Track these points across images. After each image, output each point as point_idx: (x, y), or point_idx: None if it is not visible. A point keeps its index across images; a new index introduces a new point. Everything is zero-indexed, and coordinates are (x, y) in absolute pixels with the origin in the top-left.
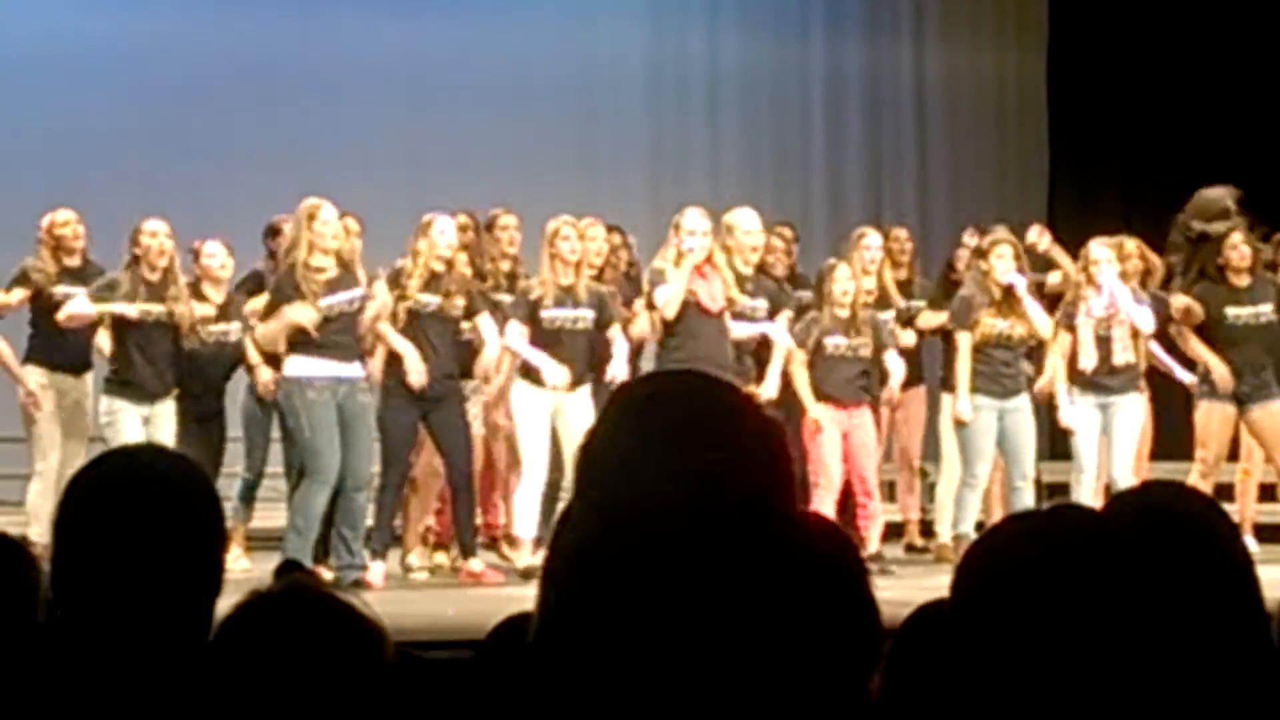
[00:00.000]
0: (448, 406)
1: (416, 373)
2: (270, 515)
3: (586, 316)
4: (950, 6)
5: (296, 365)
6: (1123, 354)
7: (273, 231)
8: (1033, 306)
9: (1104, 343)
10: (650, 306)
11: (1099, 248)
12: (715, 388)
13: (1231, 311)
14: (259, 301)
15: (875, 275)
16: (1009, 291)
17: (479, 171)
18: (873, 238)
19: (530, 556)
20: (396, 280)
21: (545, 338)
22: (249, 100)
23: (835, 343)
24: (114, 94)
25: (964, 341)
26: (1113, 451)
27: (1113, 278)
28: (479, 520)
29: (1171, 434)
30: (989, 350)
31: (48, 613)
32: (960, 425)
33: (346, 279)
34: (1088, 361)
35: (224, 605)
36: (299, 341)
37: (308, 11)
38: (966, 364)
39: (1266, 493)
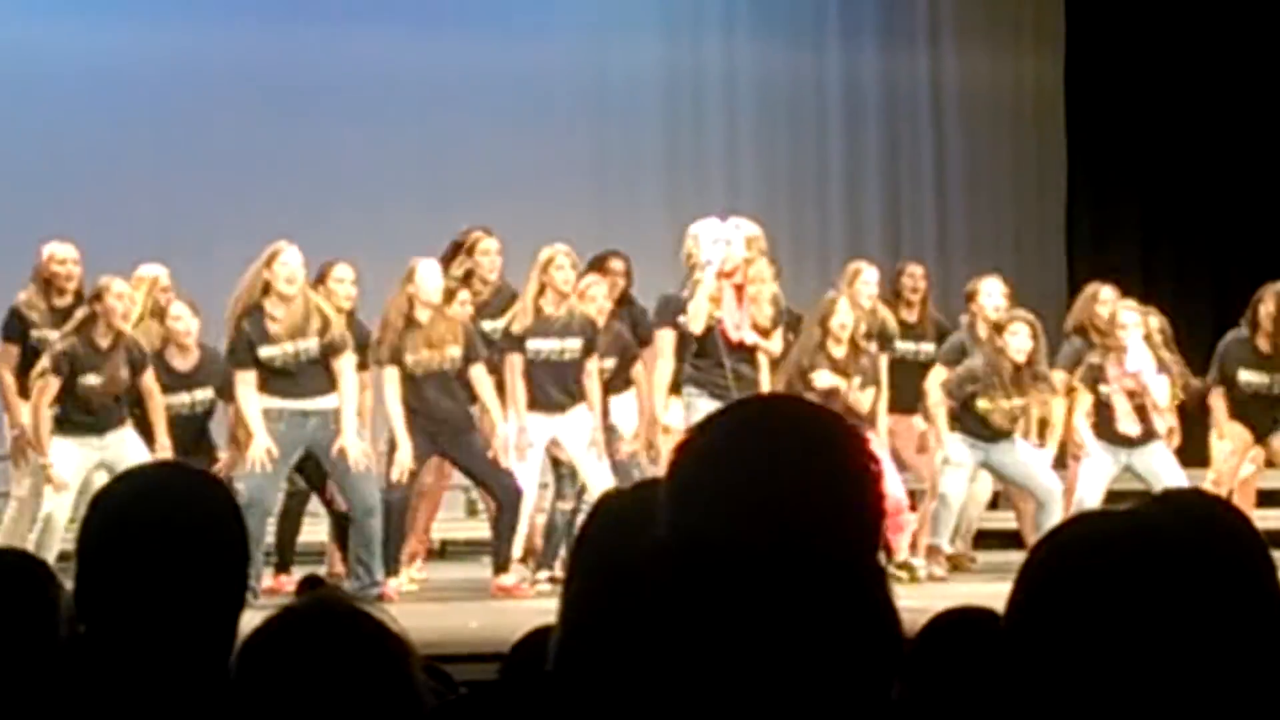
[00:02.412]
0: (464, 437)
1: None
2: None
3: (573, 347)
4: (967, 14)
5: (265, 400)
6: (1129, 425)
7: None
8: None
9: (1106, 408)
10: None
11: (1127, 312)
12: (823, 420)
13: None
14: None
15: (871, 313)
16: (1019, 368)
17: (494, 185)
18: (869, 273)
19: (515, 576)
20: (383, 342)
21: (533, 367)
22: (259, 115)
23: (825, 382)
24: (115, 109)
25: (942, 411)
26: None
27: (1139, 343)
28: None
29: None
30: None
31: (70, 629)
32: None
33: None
34: (1129, 427)
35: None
36: (265, 381)
37: (317, 26)
38: (944, 421)
39: (1265, 499)
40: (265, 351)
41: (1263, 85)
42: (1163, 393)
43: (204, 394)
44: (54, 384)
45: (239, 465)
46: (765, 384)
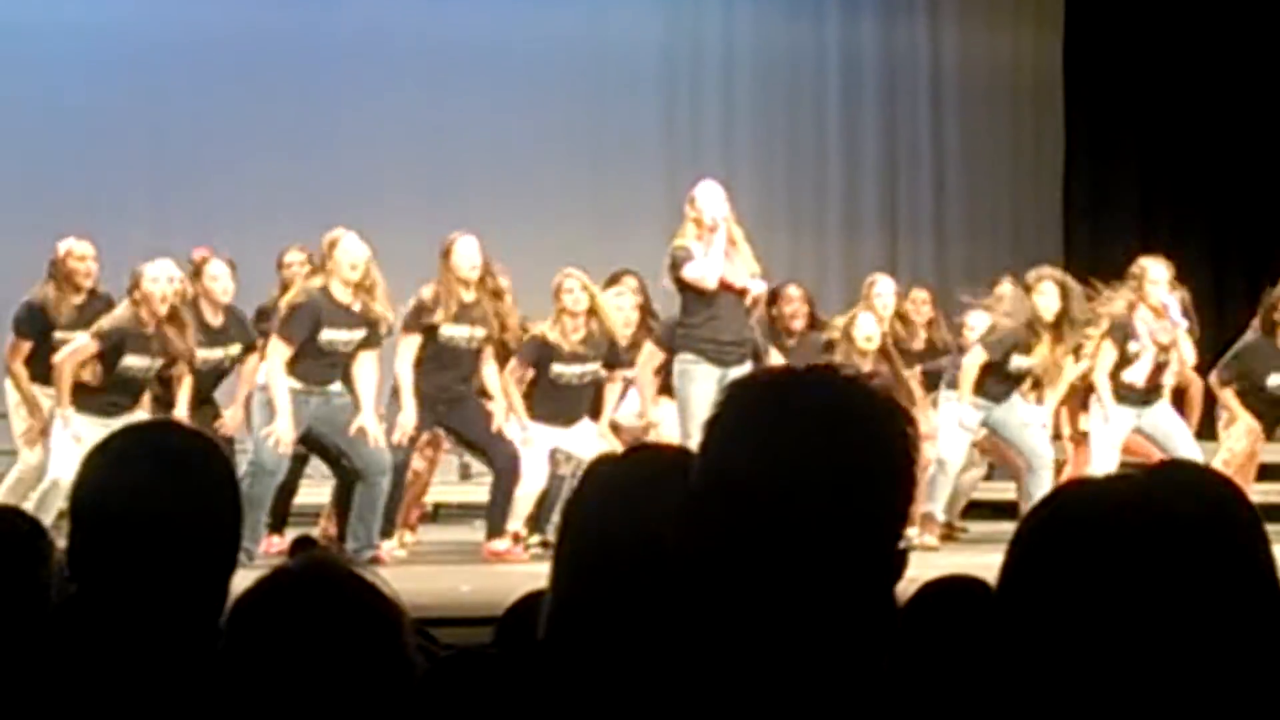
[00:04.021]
0: (465, 406)
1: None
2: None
3: (594, 370)
4: None
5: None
6: (1139, 375)
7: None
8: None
9: (1128, 361)
10: (679, 283)
11: (1156, 267)
12: (864, 390)
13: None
14: None
15: (888, 325)
16: (1052, 324)
17: (493, 157)
18: (885, 284)
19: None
20: (419, 316)
21: (549, 389)
22: (258, 87)
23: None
24: (118, 80)
25: (976, 361)
26: (1178, 448)
27: (1170, 297)
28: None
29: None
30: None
31: (63, 588)
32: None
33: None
34: (1140, 376)
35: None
36: (303, 363)
37: None
38: (971, 381)
39: (1266, 472)
40: (328, 335)
41: (1261, 64)
42: (1189, 349)
43: (234, 350)
44: (90, 349)
45: (243, 429)
46: (765, 343)
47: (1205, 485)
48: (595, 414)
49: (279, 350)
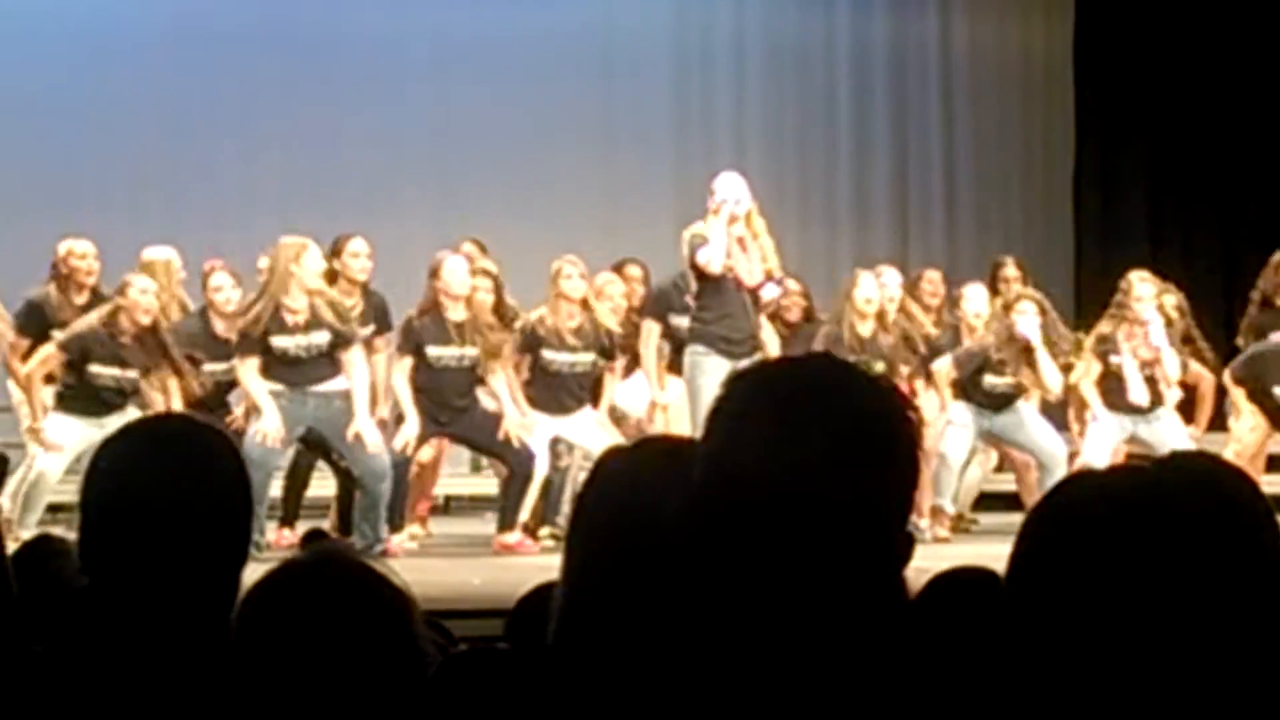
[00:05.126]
0: (469, 414)
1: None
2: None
3: (586, 360)
4: None
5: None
6: (1139, 394)
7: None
8: (1047, 364)
9: (1117, 379)
10: (694, 270)
11: (1143, 284)
12: (862, 382)
13: None
14: None
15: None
16: (1027, 347)
17: (503, 148)
18: (890, 275)
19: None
20: (407, 337)
21: (544, 377)
22: (269, 83)
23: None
24: (126, 78)
25: (943, 369)
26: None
27: (1154, 315)
28: None
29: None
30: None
31: (74, 580)
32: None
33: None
34: (1140, 397)
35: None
36: (275, 368)
37: None
38: (947, 391)
39: (1274, 463)
40: (279, 342)
41: (1271, 54)
42: (1174, 367)
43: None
44: (56, 359)
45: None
46: (772, 339)
47: (1216, 475)
48: (596, 403)
49: (246, 362)
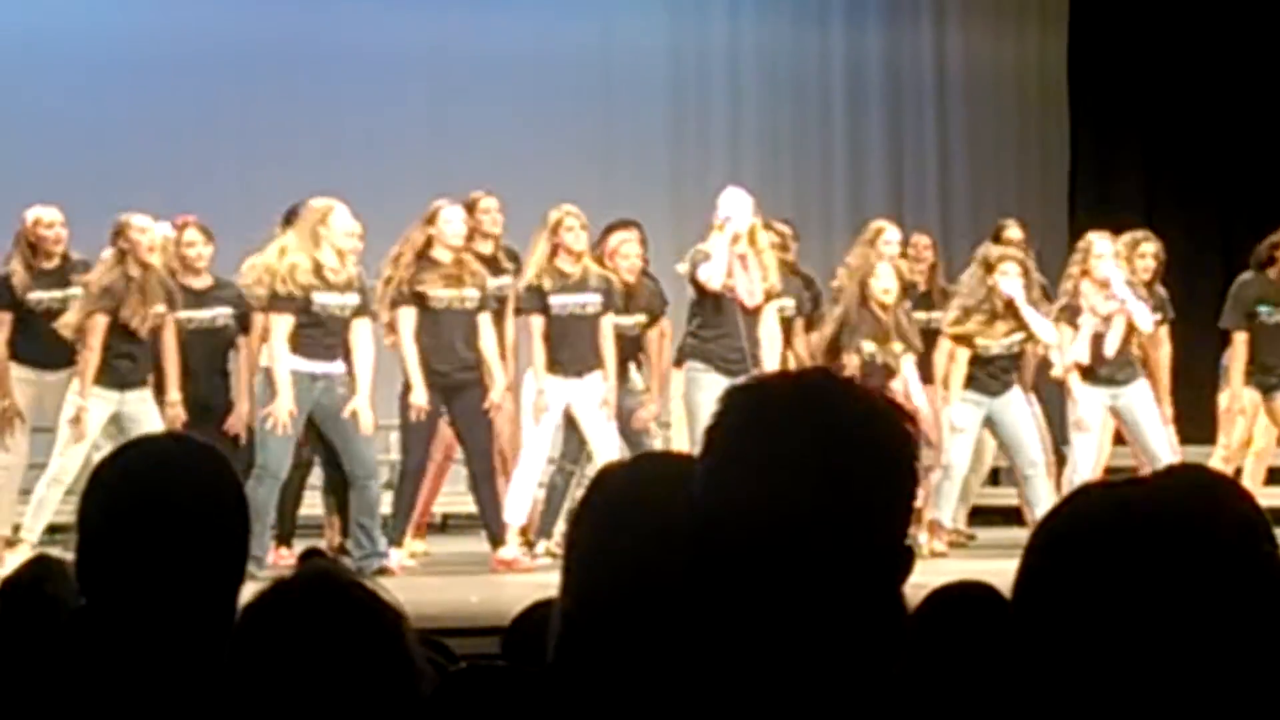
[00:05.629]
0: (469, 394)
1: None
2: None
3: (594, 302)
4: None
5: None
6: (1112, 346)
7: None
8: (1033, 317)
9: (1097, 338)
10: (695, 285)
11: (1101, 241)
12: (861, 398)
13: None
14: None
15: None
16: (1010, 304)
17: (500, 163)
18: (891, 232)
19: (514, 548)
20: (400, 287)
21: (555, 325)
22: (267, 95)
23: (870, 350)
24: (122, 89)
25: (962, 356)
26: (1145, 437)
27: (1114, 270)
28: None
29: (1192, 419)
30: (984, 358)
31: (72, 601)
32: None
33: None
34: (1080, 355)
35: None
36: (301, 335)
37: (324, 5)
38: (962, 373)
39: (1274, 476)
40: (321, 298)
41: (1266, 67)
42: (1145, 318)
43: (224, 310)
44: (102, 321)
45: (254, 418)
46: (777, 349)
47: (1216, 491)
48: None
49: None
